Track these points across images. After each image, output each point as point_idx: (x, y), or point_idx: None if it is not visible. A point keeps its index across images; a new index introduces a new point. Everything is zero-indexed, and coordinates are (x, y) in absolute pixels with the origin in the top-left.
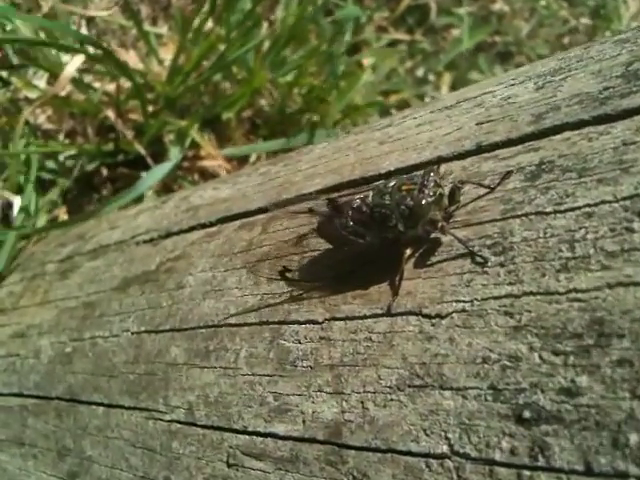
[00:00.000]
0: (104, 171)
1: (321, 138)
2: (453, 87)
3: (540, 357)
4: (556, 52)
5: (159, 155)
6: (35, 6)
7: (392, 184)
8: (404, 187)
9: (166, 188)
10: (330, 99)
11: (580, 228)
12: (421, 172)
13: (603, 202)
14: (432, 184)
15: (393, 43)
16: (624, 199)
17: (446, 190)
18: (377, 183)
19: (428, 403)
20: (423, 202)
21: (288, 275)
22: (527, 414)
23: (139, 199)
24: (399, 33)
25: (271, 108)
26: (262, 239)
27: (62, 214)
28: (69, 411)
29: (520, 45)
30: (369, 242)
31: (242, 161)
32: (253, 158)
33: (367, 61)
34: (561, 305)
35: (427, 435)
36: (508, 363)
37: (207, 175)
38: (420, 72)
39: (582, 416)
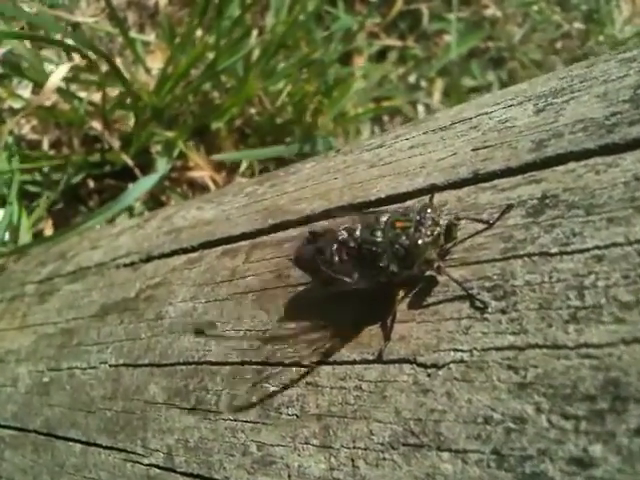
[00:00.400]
0: (90, 183)
1: (313, 146)
2: (445, 93)
3: (548, 420)
4: (548, 56)
5: (146, 166)
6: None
7: (384, 219)
8: (398, 224)
9: (154, 199)
10: (322, 107)
11: (589, 273)
12: (416, 205)
13: (614, 244)
14: (430, 222)
15: (385, 49)
16: (638, 242)
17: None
18: (366, 214)
19: (424, 465)
20: (420, 242)
21: (271, 311)
22: None
23: (126, 211)
24: (391, 39)
25: (261, 117)
26: (245, 269)
27: (47, 227)
28: (46, 446)
29: (513, 50)
30: (356, 281)
31: (232, 171)
32: (243, 167)
33: (358, 68)
34: (571, 361)
35: None
36: (513, 425)
37: (196, 186)
38: (412, 78)
39: None
